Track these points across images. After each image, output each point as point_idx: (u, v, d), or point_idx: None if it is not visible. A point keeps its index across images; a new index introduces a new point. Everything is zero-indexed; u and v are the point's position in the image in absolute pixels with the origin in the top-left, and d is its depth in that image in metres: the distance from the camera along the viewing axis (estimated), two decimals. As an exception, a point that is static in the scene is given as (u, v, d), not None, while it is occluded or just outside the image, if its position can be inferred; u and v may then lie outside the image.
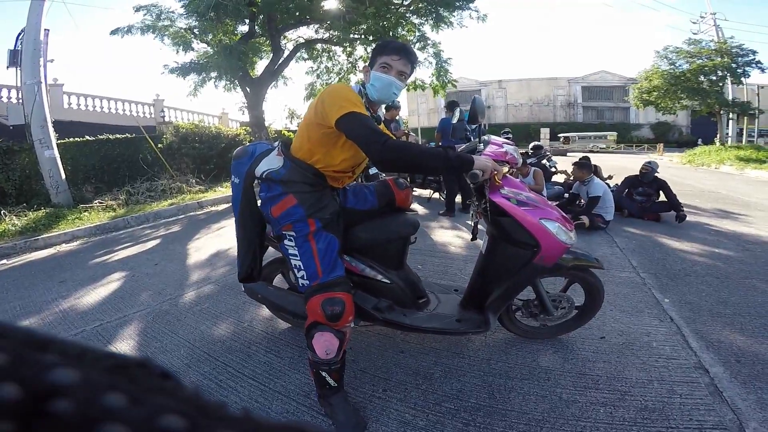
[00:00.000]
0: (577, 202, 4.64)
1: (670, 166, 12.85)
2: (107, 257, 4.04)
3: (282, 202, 1.44)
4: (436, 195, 5.95)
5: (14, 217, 5.66)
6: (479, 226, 1.71)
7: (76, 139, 7.98)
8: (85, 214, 6.02)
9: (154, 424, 0.11)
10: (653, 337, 1.94)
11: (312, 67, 10.20)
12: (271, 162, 1.48)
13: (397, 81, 1.45)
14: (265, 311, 2.31)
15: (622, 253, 3.35)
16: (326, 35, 9.14)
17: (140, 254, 4.02)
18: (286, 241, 1.46)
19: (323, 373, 1.41)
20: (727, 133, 17.52)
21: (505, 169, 1.55)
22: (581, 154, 9.32)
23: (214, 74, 8.58)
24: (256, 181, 1.53)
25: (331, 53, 10.08)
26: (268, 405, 1.57)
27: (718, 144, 16.23)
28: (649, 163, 4.91)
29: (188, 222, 5.70)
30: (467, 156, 1.35)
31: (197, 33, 8.13)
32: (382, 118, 1.51)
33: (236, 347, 1.96)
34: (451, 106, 4.92)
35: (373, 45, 8.86)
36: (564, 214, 1.59)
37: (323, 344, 1.36)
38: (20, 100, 6.98)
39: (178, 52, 8.08)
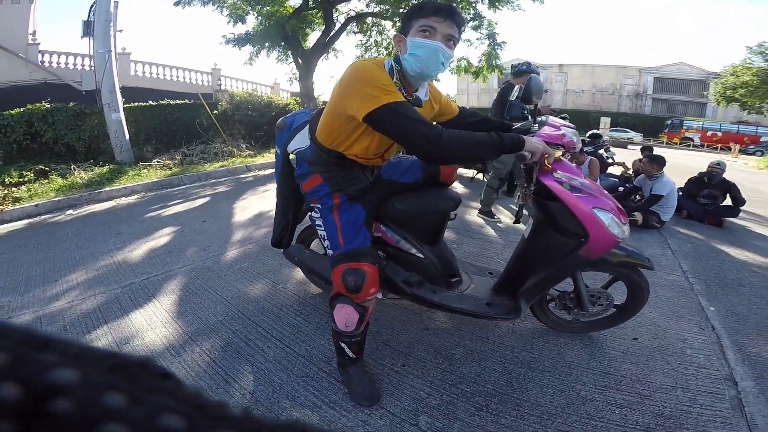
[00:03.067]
0: (634, 197, 4.34)
1: (743, 170, 11.59)
2: (160, 212, 4.35)
3: (309, 180, 1.44)
4: (480, 176, 5.80)
5: (82, 172, 6.21)
6: (524, 210, 1.64)
7: (140, 103, 8.47)
8: (144, 171, 6.50)
9: (154, 423, 0.11)
10: (688, 344, 1.85)
11: (361, 41, 10.08)
12: (301, 140, 1.46)
13: (445, 47, 1.17)
14: (299, 275, 2.41)
15: (673, 255, 3.12)
16: (377, 9, 8.95)
17: (190, 211, 4.30)
18: (312, 213, 1.48)
19: (342, 344, 1.44)
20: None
21: (558, 153, 1.46)
22: (641, 146, 8.63)
23: (267, 44, 8.76)
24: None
25: (380, 27, 9.87)
26: (290, 367, 1.64)
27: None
28: (718, 164, 4.49)
29: (236, 183, 5.97)
30: (518, 137, 1.25)
31: (252, 5, 8.26)
32: (423, 100, 1.32)
33: (268, 308, 2.06)
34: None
35: None
36: (619, 206, 1.48)
37: (343, 316, 1.37)
38: (92, 68, 7.50)
39: (235, 24, 8.28)
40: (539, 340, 1.84)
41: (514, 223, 1.66)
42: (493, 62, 8.42)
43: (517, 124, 1.68)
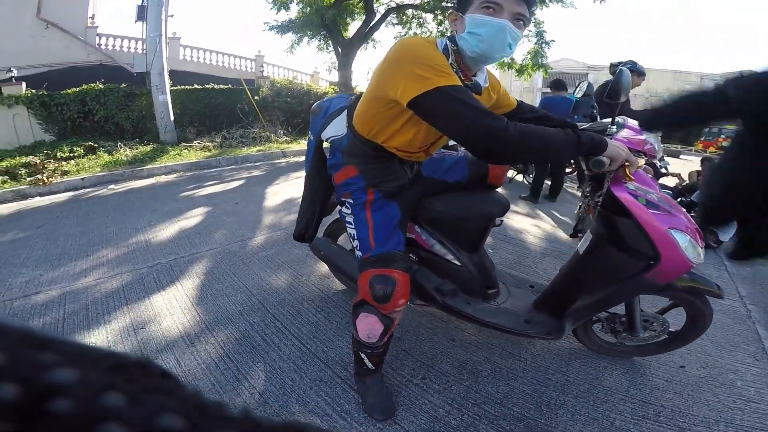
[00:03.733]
0: (690, 212, 3.96)
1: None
2: (196, 191, 4.44)
3: (342, 171, 1.29)
4: (519, 177, 5.52)
5: (127, 150, 6.48)
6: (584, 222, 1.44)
7: (186, 87, 8.76)
8: (185, 151, 6.71)
9: (154, 423, 0.11)
10: (740, 376, 1.66)
11: (401, 33, 9.91)
12: (337, 127, 1.30)
13: (513, 26, 0.96)
14: (323, 268, 2.33)
15: (730, 278, 2.81)
16: (417, 0, 8.74)
17: (224, 192, 4.36)
18: (343, 208, 1.34)
19: (362, 354, 1.34)
20: None
21: (642, 161, 1.24)
22: (700, 157, 7.98)
23: (309, 33, 8.80)
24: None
25: (421, 20, 9.67)
26: (304, 369, 1.56)
27: None
28: None
29: (271, 168, 6.04)
30: (599, 138, 1.04)
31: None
32: (482, 86, 1.14)
33: (289, 301, 1.99)
34: (557, 84, 4.45)
35: None
36: (697, 227, 1.27)
37: (366, 326, 1.25)
38: (144, 51, 7.82)
39: (278, 11, 8.35)
40: (576, 362, 1.66)
41: (571, 236, 1.49)
42: (540, 60, 8.03)
43: (585, 124, 1.48)
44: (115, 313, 1.94)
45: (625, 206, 1.22)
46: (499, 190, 1.58)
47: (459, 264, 1.50)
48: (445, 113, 0.94)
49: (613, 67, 3.27)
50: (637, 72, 3.14)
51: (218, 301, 2.01)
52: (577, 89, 1.71)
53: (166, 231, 3.07)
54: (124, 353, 0.15)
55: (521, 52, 8.40)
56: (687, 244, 1.19)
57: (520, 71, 8.51)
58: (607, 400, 1.47)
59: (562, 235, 3.32)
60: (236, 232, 3.00)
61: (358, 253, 1.28)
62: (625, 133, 1.26)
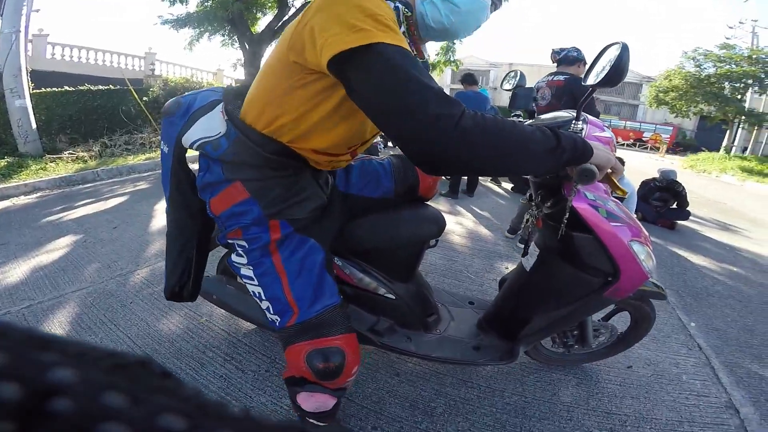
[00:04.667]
0: None
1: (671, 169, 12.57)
2: (63, 215, 3.56)
3: (224, 193, 0.87)
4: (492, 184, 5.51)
5: (-30, 165, 5.12)
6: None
7: (55, 89, 7.34)
8: (52, 165, 5.49)
9: (154, 423, 0.11)
10: (683, 369, 1.71)
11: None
12: (210, 125, 0.87)
13: (489, 9, 0.83)
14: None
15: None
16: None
17: (101, 213, 3.55)
18: (234, 256, 0.93)
19: (312, 420, 1.01)
20: (733, 143, 17.28)
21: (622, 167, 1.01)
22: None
23: (210, 28, 7.98)
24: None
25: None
26: None
27: (722, 152, 15.96)
28: (666, 172, 4.63)
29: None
30: (581, 140, 0.78)
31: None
32: (428, 61, 0.95)
33: (188, 350, 1.54)
34: (468, 79, 4.37)
35: None
36: (646, 232, 1.14)
37: (312, 403, 0.95)
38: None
39: (173, 3, 7.41)
40: (530, 379, 1.53)
41: (522, 256, 1.28)
42: (450, 56, 8.31)
43: (525, 121, 1.26)
44: None
45: (586, 221, 1.04)
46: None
47: (393, 297, 1.23)
48: (380, 86, 0.62)
49: (556, 54, 3.06)
50: (583, 60, 2.94)
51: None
52: (506, 81, 1.53)
53: (19, 270, 2.32)
54: (124, 352, 0.14)
55: (432, 49, 8.62)
56: (645, 255, 1.07)
57: (432, 67, 8.69)
58: (572, 417, 1.37)
59: (485, 231, 3.34)
60: (113, 265, 2.37)
61: (273, 318, 0.91)
62: (593, 131, 1.04)
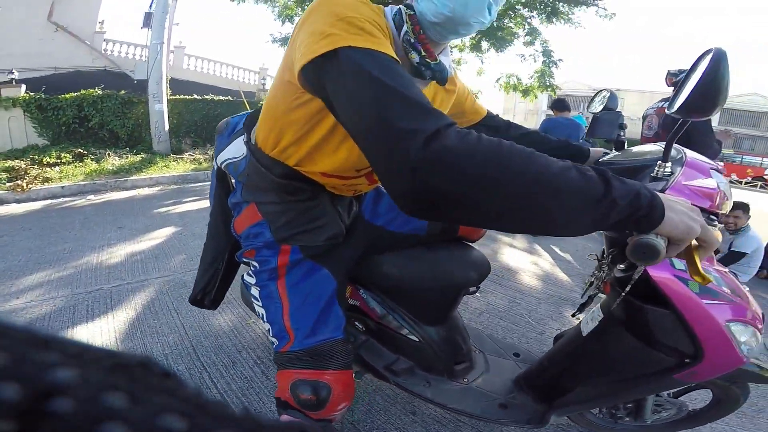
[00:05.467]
0: None
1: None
2: (171, 208, 4.20)
3: (244, 215, 0.90)
4: None
5: (116, 158, 6.32)
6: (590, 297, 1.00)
7: (186, 97, 8.67)
8: (174, 163, 6.52)
9: (155, 423, 0.11)
10: None
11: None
12: (238, 146, 0.91)
13: None
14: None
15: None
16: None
17: (200, 210, 4.09)
18: (245, 276, 0.96)
19: None
20: None
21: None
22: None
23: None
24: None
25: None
26: None
27: None
28: None
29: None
30: (651, 198, 0.53)
31: (303, 5, 8.23)
32: (448, 75, 0.76)
33: (226, 348, 1.70)
34: (558, 104, 3.96)
35: (474, 39, 8.12)
36: (758, 310, 0.88)
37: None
38: (147, 58, 7.77)
39: (283, 23, 8.28)
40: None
41: (572, 315, 1.09)
42: (547, 80, 7.79)
43: (607, 153, 1.07)
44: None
45: (667, 296, 0.83)
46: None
47: (418, 340, 1.15)
48: (349, 95, 0.54)
49: (672, 76, 2.61)
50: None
51: (146, 341, 1.74)
52: (594, 101, 1.28)
53: (123, 252, 2.81)
54: (125, 353, 0.14)
55: (527, 72, 8.19)
56: (748, 336, 0.84)
57: (526, 92, 8.22)
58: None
59: (562, 276, 2.96)
60: (196, 258, 2.67)
61: (272, 340, 0.91)
62: (688, 177, 0.77)
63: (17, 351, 0.12)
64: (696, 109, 0.64)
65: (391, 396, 1.50)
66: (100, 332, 1.81)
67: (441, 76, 0.75)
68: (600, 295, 1.01)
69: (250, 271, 0.94)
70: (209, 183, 1.16)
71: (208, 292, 1.12)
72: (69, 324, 1.86)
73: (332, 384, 0.86)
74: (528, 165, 0.48)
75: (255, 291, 0.92)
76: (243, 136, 0.90)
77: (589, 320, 1.08)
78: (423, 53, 0.71)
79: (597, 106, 1.22)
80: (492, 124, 1.08)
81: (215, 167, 1.03)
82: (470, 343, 1.28)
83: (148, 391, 0.12)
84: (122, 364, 0.14)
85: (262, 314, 0.91)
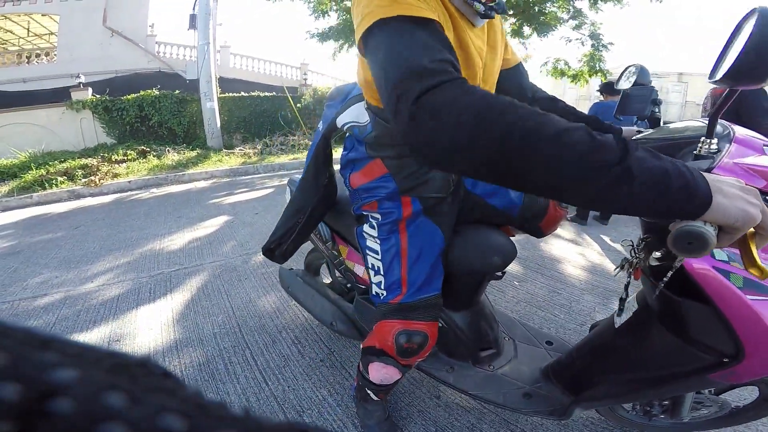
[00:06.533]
0: None
1: None
2: (224, 198, 4.51)
3: (366, 169, 0.96)
4: None
5: (175, 154, 6.82)
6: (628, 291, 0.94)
7: (234, 94, 9.14)
8: (226, 157, 6.93)
9: (155, 423, 0.11)
10: None
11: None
12: (360, 111, 0.94)
13: None
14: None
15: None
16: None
17: (250, 201, 4.37)
18: (365, 227, 0.98)
19: (369, 391, 1.14)
20: None
21: None
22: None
23: (351, 39, 8.77)
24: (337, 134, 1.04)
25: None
26: (255, 409, 1.38)
27: None
28: None
29: (303, 177, 6.08)
30: (691, 172, 0.47)
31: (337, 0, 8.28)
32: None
33: (268, 328, 1.84)
34: (608, 88, 3.74)
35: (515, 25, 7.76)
36: None
37: (381, 374, 1.02)
38: (195, 59, 8.24)
39: (317, 18, 8.37)
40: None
41: (617, 315, 0.97)
42: (597, 65, 7.32)
43: (643, 131, 1.04)
44: (100, 322, 1.95)
45: (704, 290, 0.75)
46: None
47: (441, 324, 1.15)
48: (376, 63, 0.57)
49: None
50: None
51: (198, 320, 1.92)
52: (622, 78, 1.19)
53: (181, 239, 3.08)
54: (125, 353, 0.15)
55: (576, 56, 7.75)
56: None
57: (575, 77, 7.81)
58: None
59: (610, 267, 2.73)
60: (245, 244, 2.93)
61: (381, 292, 0.96)
62: (739, 153, 0.69)
63: (17, 351, 0.12)
64: (744, 76, 0.55)
65: (417, 379, 1.55)
66: (159, 313, 2.01)
67: (502, 9, 0.78)
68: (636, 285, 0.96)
69: (371, 223, 0.98)
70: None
71: (282, 244, 1.15)
72: (133, 305, 2.10)
73: (428, 332, 0.95)
74: (525, 119, 0.47)
75: (374, 244, 0.97)
76: (362, 102, 0.94)
77: (623, 312, 1.00)
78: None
79: (625, 83, 1.15)
80: (520, 84, 1.08)
81: (320, 131, 1.08)
82: (499, 330, 1.28)
83: (147, 391, 0.13)
84: (122, 364, 0.14)
85: (378, 267, 0.96)
